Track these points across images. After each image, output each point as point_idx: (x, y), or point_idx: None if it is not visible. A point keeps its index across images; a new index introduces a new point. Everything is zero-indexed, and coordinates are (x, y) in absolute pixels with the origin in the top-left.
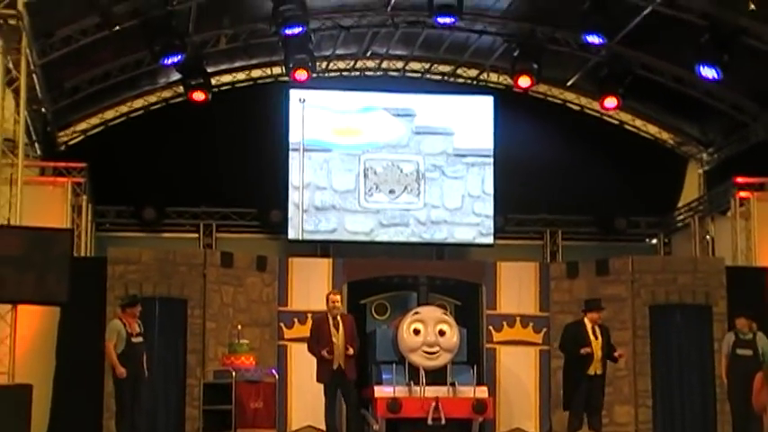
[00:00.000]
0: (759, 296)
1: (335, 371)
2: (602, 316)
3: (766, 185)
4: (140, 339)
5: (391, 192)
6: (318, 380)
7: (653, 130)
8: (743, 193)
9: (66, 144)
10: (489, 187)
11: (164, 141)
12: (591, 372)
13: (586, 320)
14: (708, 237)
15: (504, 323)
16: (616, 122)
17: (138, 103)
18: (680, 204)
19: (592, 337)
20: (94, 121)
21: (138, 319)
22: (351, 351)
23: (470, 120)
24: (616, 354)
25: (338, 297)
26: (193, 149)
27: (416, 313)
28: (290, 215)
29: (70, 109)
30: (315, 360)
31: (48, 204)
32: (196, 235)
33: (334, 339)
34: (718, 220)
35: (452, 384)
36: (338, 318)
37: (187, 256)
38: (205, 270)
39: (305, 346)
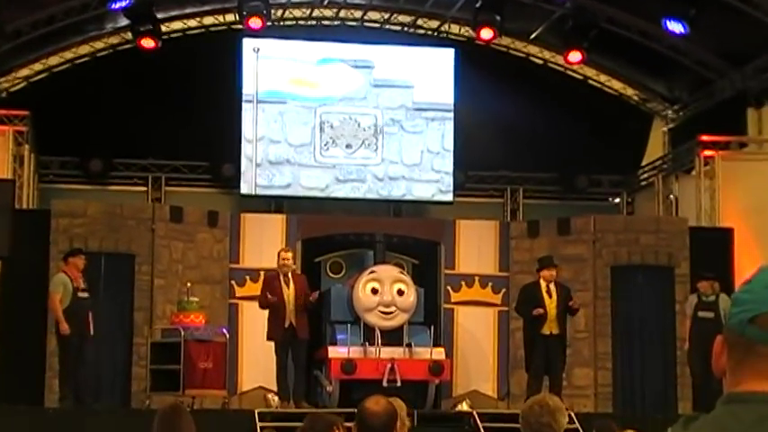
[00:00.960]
0: (722, 257)
1: (287, 329)
2: (554, 273)
3: (731, 144)
4: (86, 295)
5: (348, 146)
6: (269, 337)
7: (617, 85)
8: (707, 152)
9: (8, 91)
10: (449, 143)
11: (111, 90)
12: (546, 331)
13: (541, 280)
14: (671, 196)
15: (463, 283)
16: (580, 77)
17: (84, 49)
18: (644, 163)
19: (545, 295)
20: (38, 67)
21: (82, 273)
22: (315, 296)
23: (431, 73)
24: (571, 303)
25: (290, 255)
26: (142, 99)
27: (373, 272)
28: (242, 169)
29: (12, 54)
30: (266, 319)
31: None
32: (144, 188)
33: (285, 296)
34: (682, 180)
35: (409, 345)
36: (289, 275)
37: (135, 209)
38: (154, 225)
39: (257, 304)
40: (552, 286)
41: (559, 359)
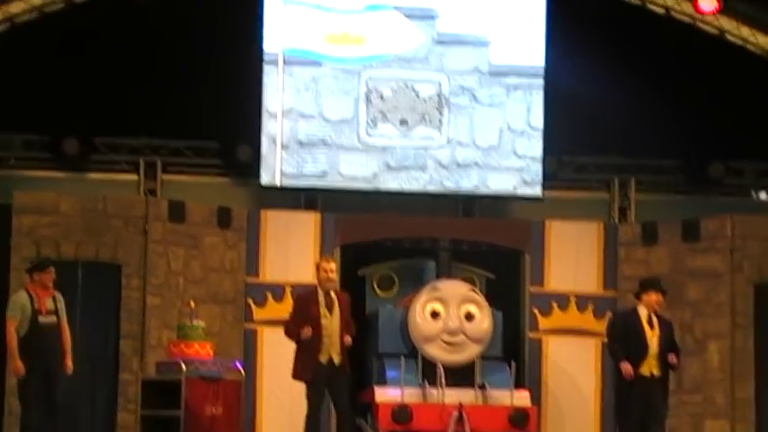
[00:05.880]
0: None
1: (325, 366)
2: (662, 301)
3: None
4: (52, 319)
5: (403, 123)
6: (295, 376)
7: (765, 42)
8: None
9: None
10: (538, 119)
11: (92, 48)
12: (645, 372)
13: (640, 307)
14: None
15: (555, 305)
16: (715, 32)
17: None
18: None
19: (646, 326)
20: None
21: (52, 290)
22: (348, 340)
23: (514, 25)
24: (671, 358)
25: (333, 265)
26: (134, 60)
27: (435, 289)
28: (263, 152)
29: None
30: (295, 351)
31: None
32: (135, 176)
33: (323, 322)
34: None
35: (482, 387)
36: (332, 294)
37: (122, 205)
38: (147, 225)
39: (281, 330)
40: (654, 316)
41: (663, 408)
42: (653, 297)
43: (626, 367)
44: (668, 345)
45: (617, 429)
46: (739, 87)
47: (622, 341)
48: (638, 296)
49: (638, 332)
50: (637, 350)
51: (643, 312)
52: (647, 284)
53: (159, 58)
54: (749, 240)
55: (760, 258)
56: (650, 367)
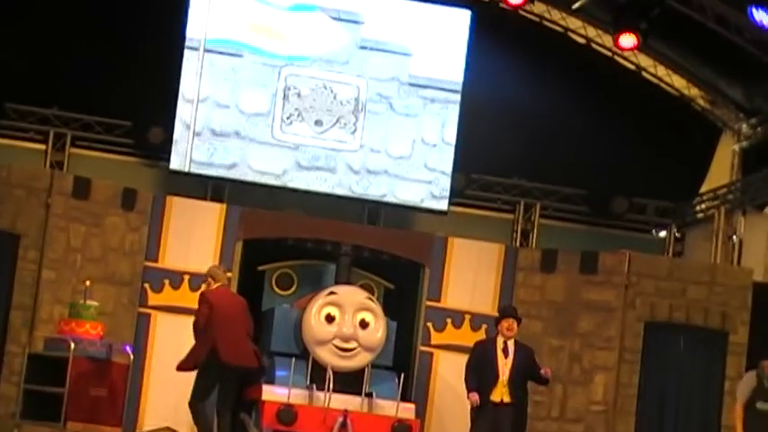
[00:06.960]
0: None
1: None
2: (514, 327)
3: None
4: None
5: (318, 123)
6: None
7: (679, 83)
8: None
9: None
10: (451, 134)
11: (16, 13)
12: (495, 398)
13: (498, 336)
14: (735, 238)
15: (449, 321)
16: (631, 68)
17: None
18: (703, 189)
19: (500, 355)
20: None
21: None
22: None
23: (436, 39)
24: (543, 371)
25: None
26: (54, 28)
27: (332, 294)
28: (175, 137)
29: None
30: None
31: None
32: (43, 146)
33: None
34: (751, 218)
35: (369, 395)
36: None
37: (27, 175)
38: (50, 198)
39: (174, 317)
40: (511, 344)
41: None
42: (504, 324)
43: (471, 397)
44: (526, 371)
45: None
46: (650, 124)
47: (477, 368)
48: (496, 324)
49: (490, 361)
50: (488, 378)
51: (500, 341)
52: (500, 313)
53: (81, 32)
54: (644, 279)
55: (653, 297)
56: (501, 394)
